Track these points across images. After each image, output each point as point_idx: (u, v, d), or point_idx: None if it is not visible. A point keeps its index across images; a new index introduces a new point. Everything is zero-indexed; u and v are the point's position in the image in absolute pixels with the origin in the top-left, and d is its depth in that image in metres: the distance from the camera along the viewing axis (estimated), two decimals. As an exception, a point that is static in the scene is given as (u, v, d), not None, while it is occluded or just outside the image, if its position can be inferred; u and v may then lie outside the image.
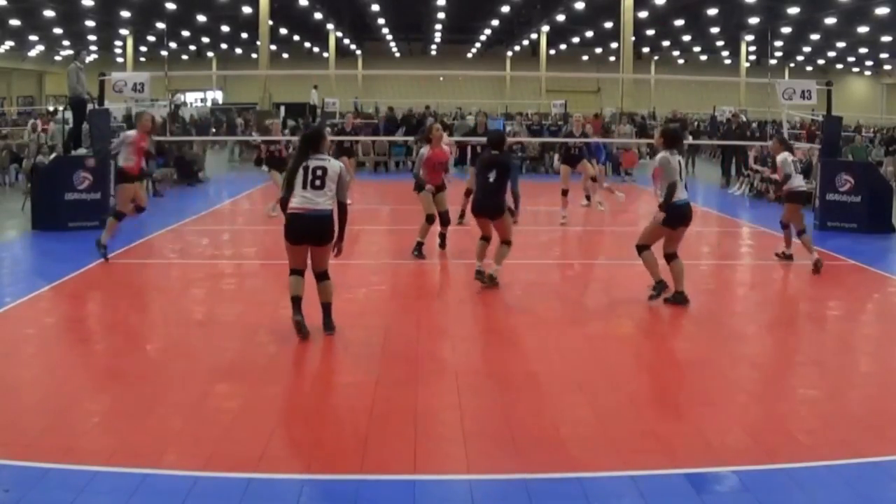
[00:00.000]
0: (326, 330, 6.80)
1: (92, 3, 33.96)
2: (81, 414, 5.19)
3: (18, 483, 4.12)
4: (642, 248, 8.04)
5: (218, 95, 50.57)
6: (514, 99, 46.98)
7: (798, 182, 9.96)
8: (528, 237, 12.74)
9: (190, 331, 7.15)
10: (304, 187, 6.51)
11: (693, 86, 45.80)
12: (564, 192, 13.48)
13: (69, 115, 14.37)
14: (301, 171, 6.54)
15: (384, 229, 13.03)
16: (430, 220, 10.38)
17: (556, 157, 19.54)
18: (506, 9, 39.80)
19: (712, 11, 37.29)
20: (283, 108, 31.90)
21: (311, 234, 6.58)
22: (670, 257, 8.04)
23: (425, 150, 10.43)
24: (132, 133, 9.67)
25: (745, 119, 25.54)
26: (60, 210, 12.00)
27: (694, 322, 7.58)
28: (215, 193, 18.50)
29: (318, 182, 6.50)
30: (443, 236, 10.80)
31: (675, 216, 7.85)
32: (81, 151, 13.37)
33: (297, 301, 6.71)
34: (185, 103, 43.33)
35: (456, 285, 9.18)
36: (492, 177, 8.55)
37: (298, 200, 6.52)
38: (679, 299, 7.91)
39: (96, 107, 13.21)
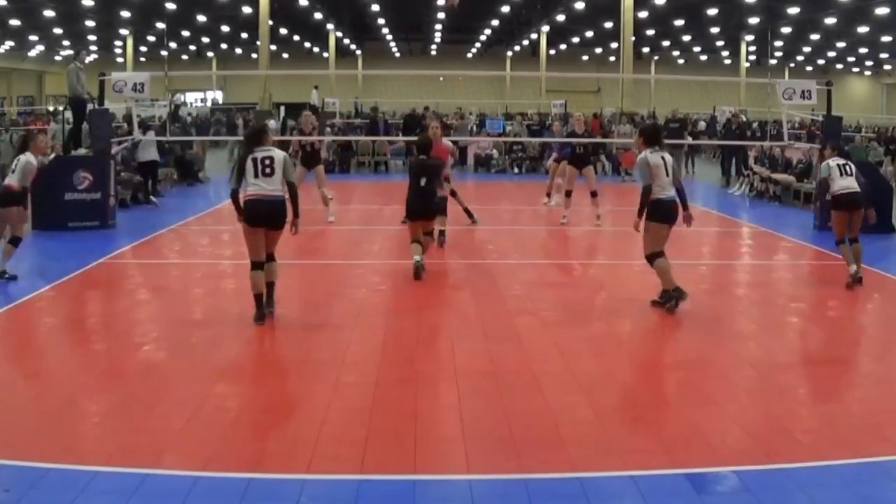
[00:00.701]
0: (267, 307, 7.19)
1: (92, 3, 33.99)
2: (81, 414, 5.20)
3: (18, 483, 4.12)
4: (654, 257, 7.69)
5: (218, 95, 50.68)
6: (514, 99, 47.02)
7: (839, 185, 9.18)
8: (528, 237, 12.76)
9: (190, 330, 7.15)
10: (257, 176, 7.07)
11: (693, 86, 45.87)
12: (568, 193, 13.44)
13: (69, 114, 14.37)
14: (251, 163, 7.09)
15: (384, 229, 13.02)
16: None
17: (552, 155, 19.33)
18: (506, 9, 39.84)
19: (712, 11, 37.33)
20: (282, 108, 31.90)
21: (268, 218, 7.12)
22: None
23: None
24: (34, 160, 8.98)
25: (745, 119, 25.53)
26: (60, 210, 12.01)
27: (694, 322, 7.56)
28: (215, 193, 18.47)
29: (268, 170, 7.08)
30: (442, 233, 10.84)
31: (664, 211, 7.69)
32: (81, 151, 13.37)
33: (259, 299, 7.21)
34: (185, 103, 43.38)
35: (455, 285, 9.18)
36: (423, 181, 9.04)
37: (253, 189, 7.09)
38: (668, 298, 7.67)
39: (96, 107, 13.22)
